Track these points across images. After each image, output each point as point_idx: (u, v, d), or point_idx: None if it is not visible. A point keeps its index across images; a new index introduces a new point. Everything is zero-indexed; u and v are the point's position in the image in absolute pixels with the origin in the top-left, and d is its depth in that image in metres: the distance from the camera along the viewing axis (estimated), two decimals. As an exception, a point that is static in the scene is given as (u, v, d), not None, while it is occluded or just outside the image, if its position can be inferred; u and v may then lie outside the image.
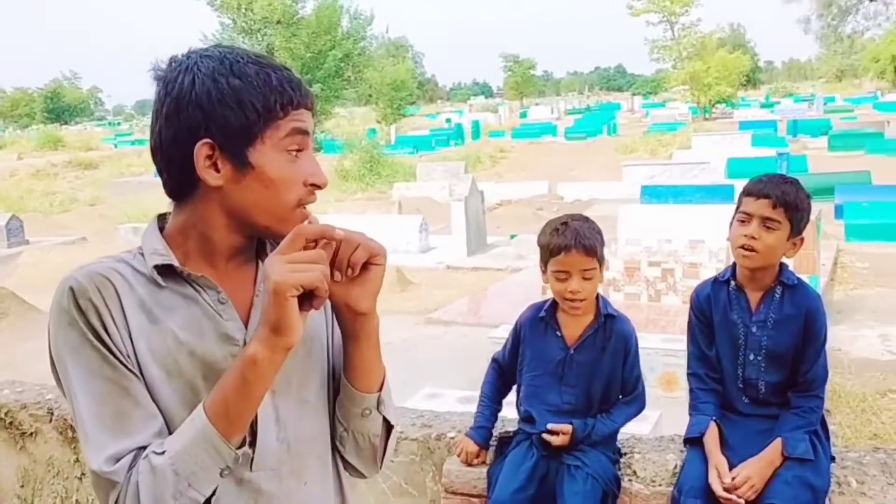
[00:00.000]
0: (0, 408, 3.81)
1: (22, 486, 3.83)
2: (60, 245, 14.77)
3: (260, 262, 1.35)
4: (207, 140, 1.23)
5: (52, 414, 3.65)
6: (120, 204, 19.81)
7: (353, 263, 1.21)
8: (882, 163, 20.37)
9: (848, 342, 6.93)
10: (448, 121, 52.93)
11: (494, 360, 2.96)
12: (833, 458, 2.71)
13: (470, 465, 2.93)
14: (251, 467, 1.27)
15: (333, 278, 1.21)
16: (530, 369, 2.77)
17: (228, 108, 1.23)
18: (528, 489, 2.66)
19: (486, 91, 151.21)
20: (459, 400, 5.01)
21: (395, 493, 3.29)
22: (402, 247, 12.74)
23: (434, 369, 6.74)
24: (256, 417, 1.24)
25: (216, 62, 1.25)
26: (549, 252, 2.58)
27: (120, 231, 15.40)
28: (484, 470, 2.92)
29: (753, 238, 2.49)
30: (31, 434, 3.72)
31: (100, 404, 1.19)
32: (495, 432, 2.97)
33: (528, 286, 9.54)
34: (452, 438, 3.22)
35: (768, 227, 2.50)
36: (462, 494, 3.00)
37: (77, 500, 3.62)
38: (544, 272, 2.68)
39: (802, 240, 2.60)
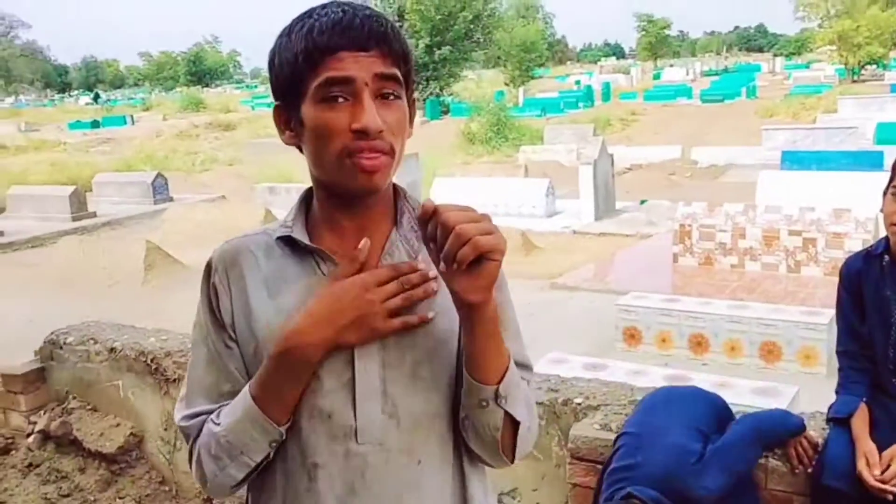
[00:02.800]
0: (146, 354, 4.03)
1: (165, 430, 4.06)
2: (202, 202, 15.49)
3: (396, 231, 1.33)
4: (278, 101, 1.29)
5: (193, 362, 3.83)
6: (256, 164, 20.52)
7: (459, 260, 1.12)
8: None
9: None
10: (577, 83, 51.93)
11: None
12: None
13: None
14: (357, 439, 1.26)
15: (439, 268, 1.17)
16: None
17: (279, 67, 1.26)
18: None
19: (617, 52, 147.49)
20: (585, 367, 4.94)
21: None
22: (528, 210, 12.66)
23: (559, 334, 6.67)
24: (355, 387, 1.26)
25: (297, 19, 1.26)
26: None
27: (256, 190, 15.98)
28: (610, 436, 2.86)
29: None
30: (175, 380, 3.93)
31: (199, 368, 1.34)
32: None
33: (658, 253, 9.29)
34: (579, 404, 3.18)
35: None
36: (588, 461, 2.96)
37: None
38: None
39: None
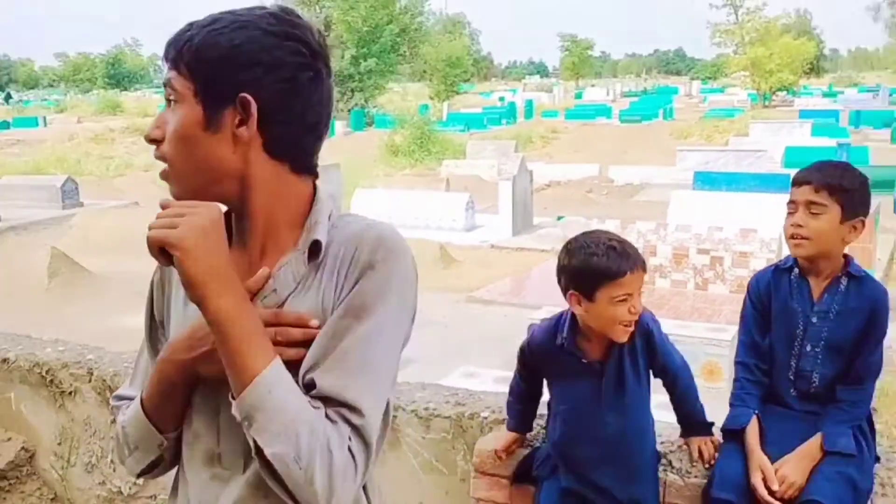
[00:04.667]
0: (42, 365, 3.87)
1: (59, 444, 3.90)
2: (113, 209, 15.05)
3: (293, 252, 1.26)
4: None
5: (91, 374, 3.70)
6: (173, 171, 20.03)
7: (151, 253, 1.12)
8: (948, 157, 19.71)
9: (902, 340, 6.70)
10: (501, 99, 52.56)
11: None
12: (878, 458, 2.61)
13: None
14: (221, 464, 1.25)
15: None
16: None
17: None
18: None
19: (541, 70, 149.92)
20: (496, 380, 4.97)
21: (426, 470, 3.27)
22: (448, 224, 12.71)
23: (472, 348, 6.70)
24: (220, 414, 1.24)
25: None
26: (608, 276, 2.32)
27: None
28: (521, 452, 2.87)
29: (800, 226, 2.42)
30: (71, 393, 3.78)
31: (141, 356, 1.41)
32: None
33: (573, 269, 9.43)
34: (486, 418, 3.19)
35: (813, 213, 2.42)
36: (492, 475, 2.97)
37: (112, 461, 3.68)
38: (580, 301, 2.39)
39: (863, 223, 2.49)
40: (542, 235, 12.03)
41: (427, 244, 10.57)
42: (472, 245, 11.75)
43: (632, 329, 2.40)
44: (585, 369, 2.51)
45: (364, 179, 16.96)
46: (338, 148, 26.97)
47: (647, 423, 2.62)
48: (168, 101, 1.22)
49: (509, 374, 5.34)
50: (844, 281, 2.50)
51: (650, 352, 2.52)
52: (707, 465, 2.64)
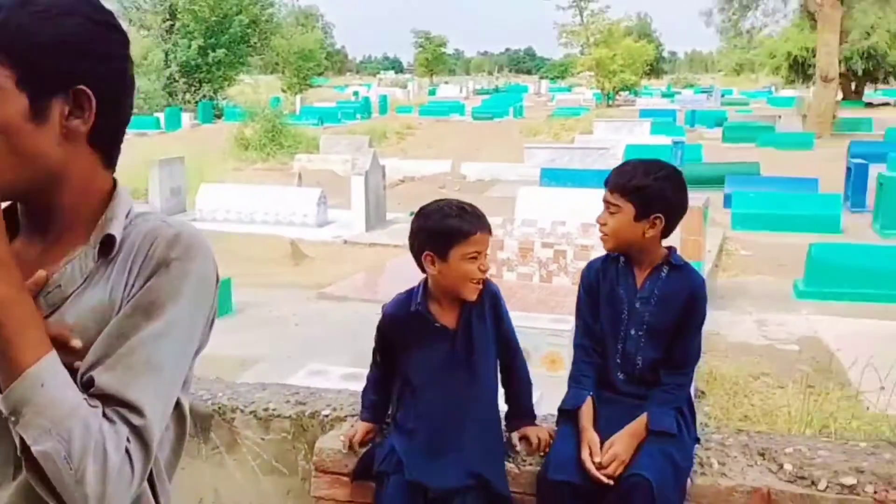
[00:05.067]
0: None
1: None
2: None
3: (84, 248, 1.20)
4: None
5: None
6: None
7: None
8: (771, 155, 21.28)
9: (727, 327, 7.18)
10: (356, 94, 52.30)
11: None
12: (698, 440, 2.78)
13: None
14: None
15: None
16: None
17: None
18: None
19: (396, 66, 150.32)
20: (344, 377, 4.94)
21: (265, 472, 3.21)
22: (299, 220, 12.53)
23: (323, 345, 6.64)
24: None
25: None
26: (459, 235, 2.49)
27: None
28: (361, 450, 2.86)
29: (603, 223, 2.66)
30: None
31: None
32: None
33: (424, 263, 9.51)
34: (326, 416, 3.15)
35: (611, 212, 2.63)
36: (333, 473, 2.94)
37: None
38: (433, 262, 2.55)
39: (661, 218, 2.65)
40: (395, 230, 12.05)
41: (277, 240, 10.38)
42: (324, 241, 11.63)
43: (480, 287, 2.57)
44: (438, 333, 2.62)
45: (211, 174, 16.43)
46: (184, 141, 26.01)
47: (495, 392, 2.73)
48: None
49: (358, 370, 5.33)
50: (665, 269, 2.68)
51: (497, 318, 2.68)
52: (542, 454, 2.73)
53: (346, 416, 3.12)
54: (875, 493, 2.52)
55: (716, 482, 2.64)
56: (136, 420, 1.09)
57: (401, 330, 2.69)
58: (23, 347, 1.04)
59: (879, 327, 7.01)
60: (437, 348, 2.63)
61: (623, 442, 2.52)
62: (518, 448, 2.76)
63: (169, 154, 15.49)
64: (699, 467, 2.69)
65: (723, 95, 48.14)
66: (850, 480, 2.56)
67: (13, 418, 1.03)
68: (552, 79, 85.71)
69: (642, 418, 2.56)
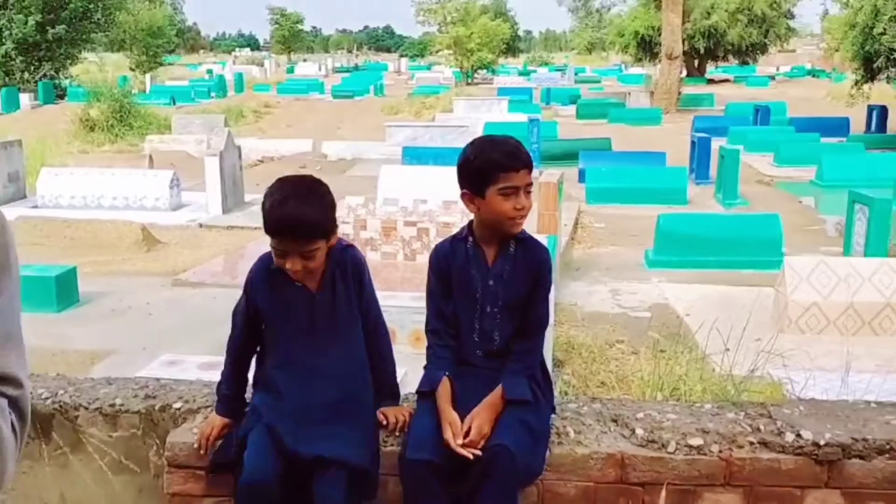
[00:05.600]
0: None
1: None
2: None
3: None
4: None
5: None
6: None
7: None
8: (622, 131, 22.15)
9: (583, 297, 7.40)
10: (209, 72, 50.50)
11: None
12: (554, 409, 2.83)
13: None
14: None
15: None
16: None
17: None
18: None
19: (252, 44, 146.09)
20: (201, 366, 4.75)
21: (115, 470, 3.04)
22: (151, 204, 11.96)
23: (177, 335, 6.38)
24: None
25: None
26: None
27: None
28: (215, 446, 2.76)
29: (523, 208, 2.59)
30: None
31: None
32: None
33: (285, 245, 9.30)
34: (178, 409, 3.02)
35: (528, 192, 2.61)
36: (188, 467, 2.82)
37: None
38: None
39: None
40: (254, 212, 11.67)
41: (127, 226, 9.86)
42: (178, 225, 11.17)
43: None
44: (299, 294, 2.61)
45: (54, 157, 15.47)
46: (24, 122, 24.37)
47: (363, 357, 2.73)
48: None
49: (214, 358, 5.15)
50: (512, 245, 2.69)
51: (358, 283, 2.68)
52: (399, 434, 2.72)
53: (199, 409, 3.00)
54: (720, 451, 2.65)
55: (573, 450, 2.71)
56: (13, 391, 1.10)
57: (261, 289, 2.68)
58: None
59: (723, 292, 7.42)
60: (298, 308, 2.63)
61: (482, 415, 2.54)
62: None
63: (5, 137, 14.47)
64: (556, 437, 2.75)
65: (576, 73, 49.58)
66: (697, 441, 2.68)
67: None
68: (412, 57, 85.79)
69: (498, 390, 2.59)
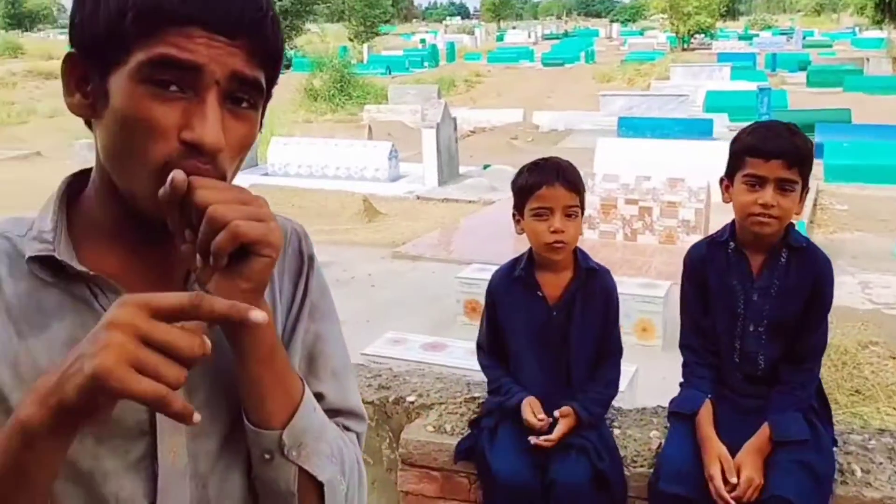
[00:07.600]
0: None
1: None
2: (11, 160, 14.10)
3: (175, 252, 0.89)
4: (73, 51, 0.88)
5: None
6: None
7: (214, 252, 0.79)
8: (861, 101, 20.12)
9: (828, 290, 6.71)
10: (422, 41, 51.68)
11: (479, 346, 2.64)
12: (835, 442, 2.44)
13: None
14: None
15: (196, 264, 0.83)
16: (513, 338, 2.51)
17: (91, 10, 0.84)
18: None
19: (462, 12, 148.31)
20: (424, 346, 4.71)
21: (349, 460, 3.00)
22: (371, 174, 12.31)
23: (400, 308, 6.42)
24: (156, 467, 0.89)
25: None
26: (527, 190, 2.33)
27: (75, 147, 14.68)
28: (451, 443, 2.62)
29: (771, 206, 2.16)
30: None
31: None
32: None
33: (501, 220, 9.17)
34: (412, 403, 2.92)
35: (785, 190, 2.17)
36: (421, 467, 2.71)
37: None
38: (519, 222, 2.41)
39: (807, 191, 2.29)
40: (468, 185, 11.74)
41: (350, 197, 10.18)
42: (396, 196, 11.39)
43: (561, 250, 2.34)
44: (539, 303, 2.44)
45: (282, 127, 16.29)
46: (254, 93, 26.01)
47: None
48: (237, 100, 0.87)
49: (437, 339, 5.10)
50: (785, 254, 2.29)
51: (607, 304, 2.50)
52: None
53: (432, 405, 2.89)
54: None
55: (860, 493, 2.31)
56: (358, 427, 1.07)
57: (503, 296, 2.52)
58: (292, 373, 0.95)
59: None
60: (537, 315, 2.45)
61: (750, 463, 2.17)
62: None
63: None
64: (839, 475, 2.35)
65: (804, 37, 45.95)
66: None
67: (295, 453, 0.92)
68: (623, 22, 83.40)
69: (764, 430, 2.21)
